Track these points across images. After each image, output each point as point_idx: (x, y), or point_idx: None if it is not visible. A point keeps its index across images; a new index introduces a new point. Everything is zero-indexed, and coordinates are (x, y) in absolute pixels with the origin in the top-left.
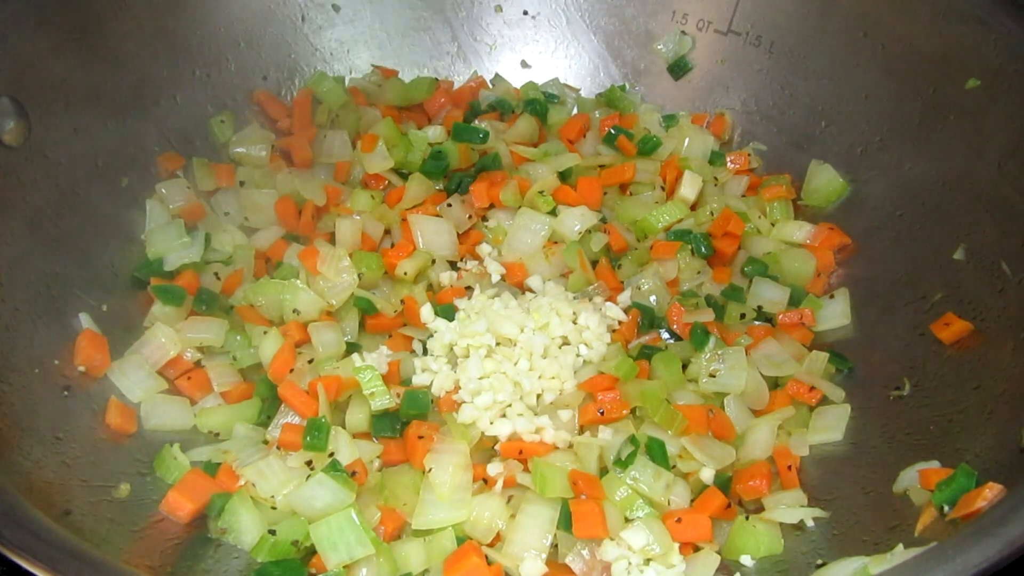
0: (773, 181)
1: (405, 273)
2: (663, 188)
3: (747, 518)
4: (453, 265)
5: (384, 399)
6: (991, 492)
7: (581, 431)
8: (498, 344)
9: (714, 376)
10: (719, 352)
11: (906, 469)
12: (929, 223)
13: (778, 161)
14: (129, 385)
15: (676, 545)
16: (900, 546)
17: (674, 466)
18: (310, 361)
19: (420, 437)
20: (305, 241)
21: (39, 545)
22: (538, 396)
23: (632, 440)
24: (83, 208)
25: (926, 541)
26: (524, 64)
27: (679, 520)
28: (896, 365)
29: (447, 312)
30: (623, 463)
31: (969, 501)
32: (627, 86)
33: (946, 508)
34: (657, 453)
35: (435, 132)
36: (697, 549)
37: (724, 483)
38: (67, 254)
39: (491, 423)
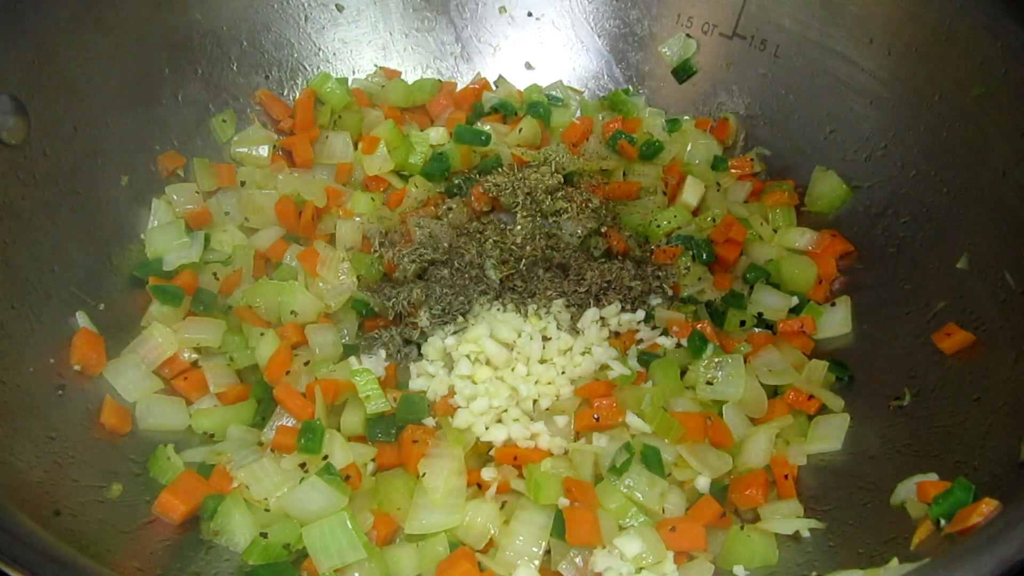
0: (776, 187)
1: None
2: (665, 193)
3: (742, 528)
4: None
5: (380, 403)
6: (987, 508)
7: (577, 437)
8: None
9: (712, 384)
10: (717, 360)
11: (904, 481)
12: (933, 231)
13: (781, 166)
14: (125, 385)
15: (670, 554)
16: (895, 560)
17: (669, 474)
18: (306, 363)
19: (415, 441)
20: (305, 242)
21: (20, 549)
22: (534, 401)
23: (627, 447)
24: (82, 207)
25: (921, 555)
26: (528, 66)
27: (673, 529)
28: (896, 375)
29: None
30: (618, 471)
31: (965, 516)
32: (631, 89)
33: (942, 522)
34: (652, 461)
35: (437, 134)
36: (691, 558)
37: (720, 492)
38: (65, 252)
39: (486, 428)
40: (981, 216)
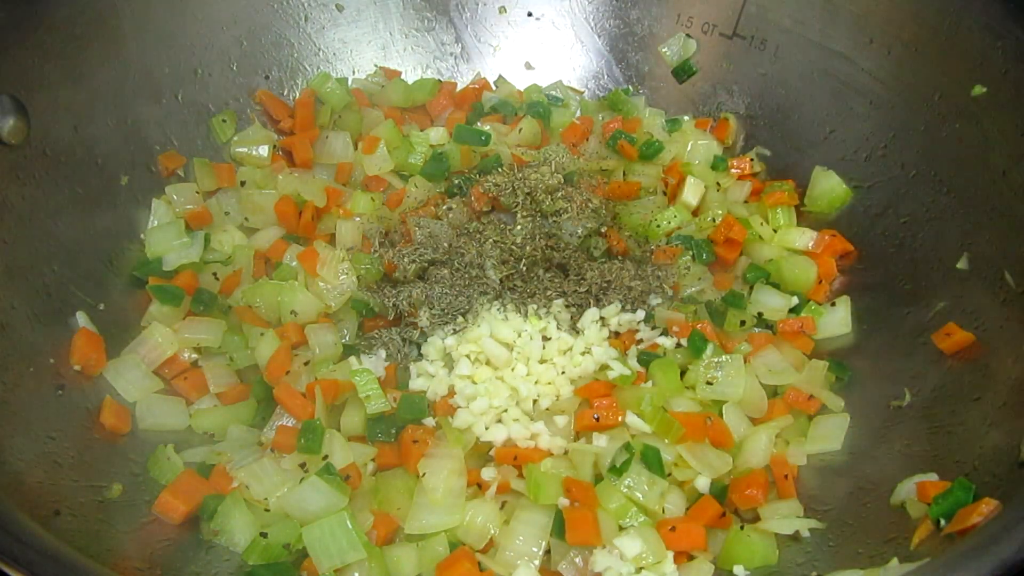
0: (776, 187)
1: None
2: (665, 193)
3: (742, 528)
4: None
5: (380, 403)
6: (987, 508)
7: (576, 437)
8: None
9: (712, 384)
10: (717, 360)
11: (904, 481)
12: (933, 231)
13: (781, 166)
14: (125, 385)
15: (670, 554)
16: (895, 560)
17: (669, 474)
18: (306, 363)
19: (415, 441)
20: (305, 242)
21: (20, 549)
22: (534, 401)
23: (627, 447)
24: (82, 206)
25: (921, 555)
26: (528, 66)
27: (673, 529)
28: (896, 375)
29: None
30: (618, 471)
31: (965, 516)
32: (631, 89)
33: (942, 522)
34: (652, 461)
35: (437, 134)
36: (691, 558)
37: (720, 491)
38: (65, 252)
39: (486, 428)
40: (981, 216)
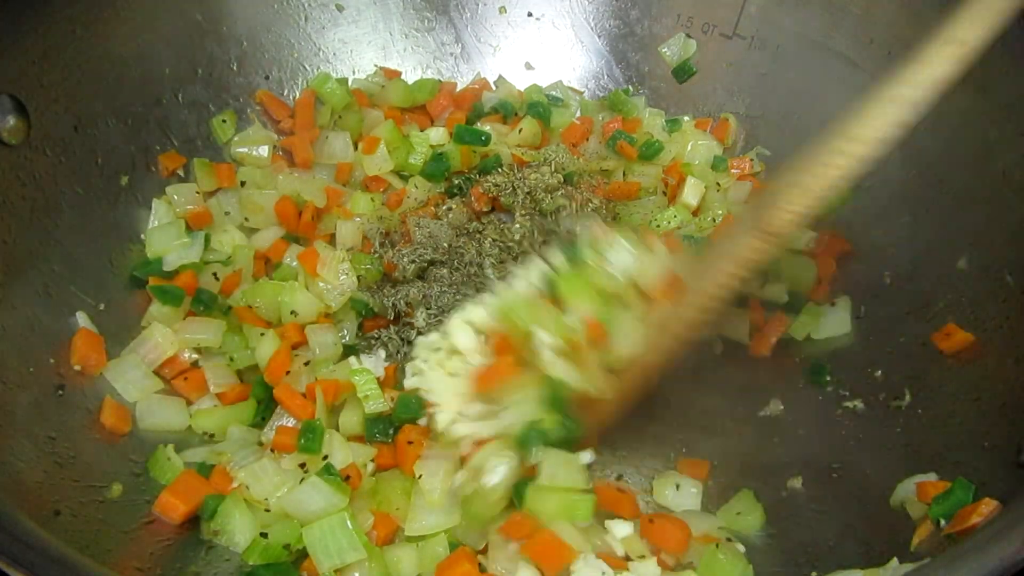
0: None
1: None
2: (665, 193)
3: (717, 546)
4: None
5: (378, 402)
6: (987, 508)
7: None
8: None
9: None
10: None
11: (903, 481)
12: (933, 232)
13: (782, 167)
14: (125, 385)
15: (653, 559)
16: (895, 560)
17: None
18: (306, 363)
19: (410, 442)
20: (305, 242)
21: (20, 549)
22: None
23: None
24: (82, 206)
25: (921, 555)
26: (528, 66)
27: (651, 521)
28: (896, 375)
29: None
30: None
31: (965, 516)
32: (631, 89)
33: (942, 522)
34: (555, 402)
35: (437, 134)
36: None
37: None
38: (65, 252)
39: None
40: (981, 217)
